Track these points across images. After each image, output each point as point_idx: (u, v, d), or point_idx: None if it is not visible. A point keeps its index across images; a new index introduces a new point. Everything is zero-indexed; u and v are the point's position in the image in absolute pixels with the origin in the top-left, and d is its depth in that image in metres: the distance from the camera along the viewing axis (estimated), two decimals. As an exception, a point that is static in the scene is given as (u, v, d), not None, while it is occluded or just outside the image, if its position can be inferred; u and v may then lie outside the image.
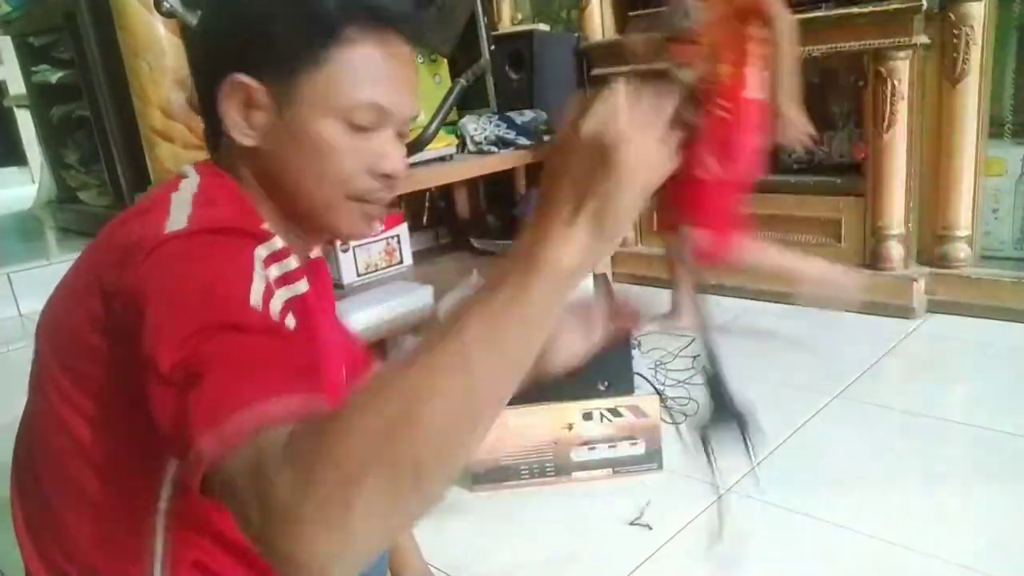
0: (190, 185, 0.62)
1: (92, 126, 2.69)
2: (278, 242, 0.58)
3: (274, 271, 0.55)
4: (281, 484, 0.40)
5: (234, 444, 0.42)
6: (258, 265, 0.53)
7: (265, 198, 0.65)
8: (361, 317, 1.68)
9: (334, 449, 0.40)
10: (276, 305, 0.52)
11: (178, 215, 0.56)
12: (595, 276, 1.67)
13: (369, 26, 0.60)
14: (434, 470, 0.41)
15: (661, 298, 2.41)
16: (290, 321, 0.53)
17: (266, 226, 0.60)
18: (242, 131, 0.62)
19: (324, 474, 0.40)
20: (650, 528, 1.27)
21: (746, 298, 2.32)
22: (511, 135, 2.23)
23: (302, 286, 0.57)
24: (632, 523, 1.29)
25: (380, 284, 2.01)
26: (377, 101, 0.61)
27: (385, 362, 0.66)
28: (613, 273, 2.61)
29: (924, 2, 1.82)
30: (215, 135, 0.64)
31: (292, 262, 0.58)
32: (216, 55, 0.62)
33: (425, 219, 2.74)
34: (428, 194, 2.66)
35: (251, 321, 0.49)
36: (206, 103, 0.63)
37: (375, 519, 0.40)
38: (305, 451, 0.41)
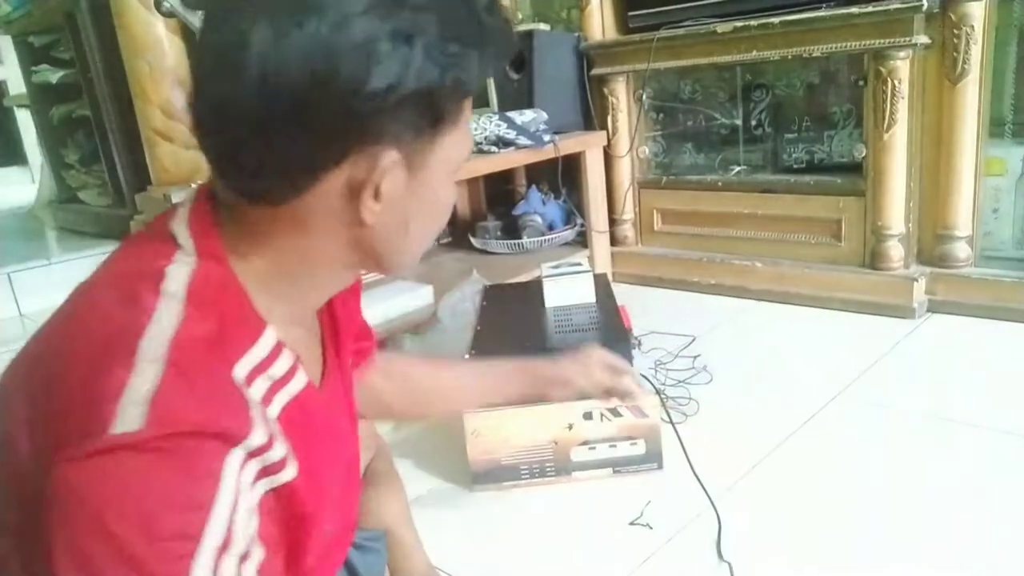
0: (178, 288, 0.52)
1: (92, 126, 2.69)
2: (258, 391, 0.53)
3: (258, 479, 0.50)
4: None
5: None
6: (228, 471, 0.47)
7: (318, 255, 0.58)
8: (361, 317, 1.68)
9: None
10: (256, 554, 0.48)
11: (133, 395, 0.46)
12: (595, 275, 1.67)
13: (487, 75, 0.59)
14: None
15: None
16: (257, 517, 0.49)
17: (271, 324, 0.56)
18: (369, 207, 0.55)
19: None
20: (650, 528, 1.27)
21: (750, 298, 2.32)
22: (511, 135, 2.23)
23: (276, 453, 0.52)
24: (632, 523, 1.29)
25: (380, 284, 2.01)
26: (472, 148, 0.63)
27: None
28: (613, 273, 2.61)
29: (924, 2, 1.82)
30: (266, 196, 0.55)
31: (258, 438, 0.50)
32: (341, 119, 0.51)
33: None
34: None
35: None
36: (282, 161, 0.52)
37: None
38: None
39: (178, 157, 2.27)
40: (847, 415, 1.58)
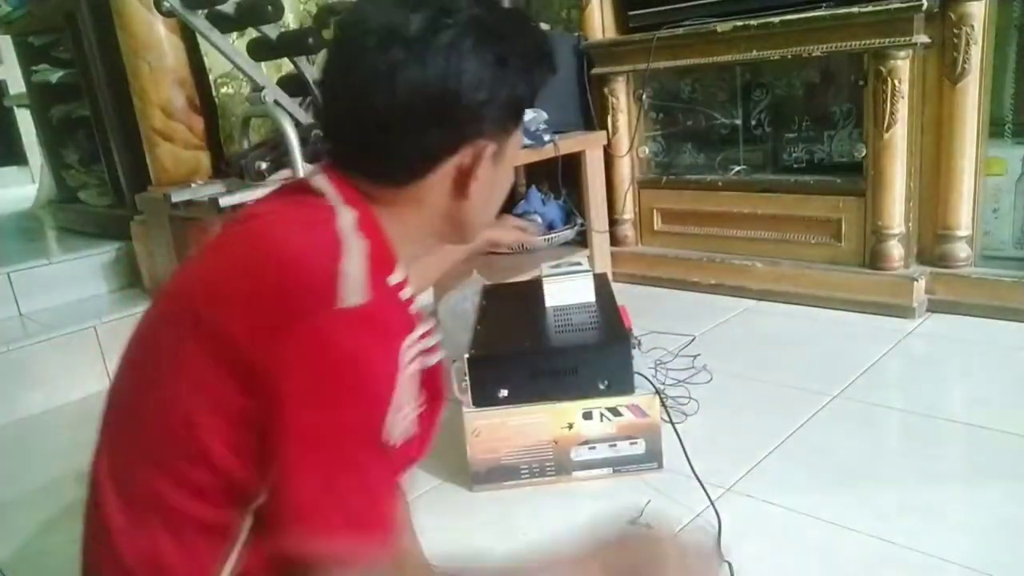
0: (349, 224, 0.67)
1: (92, 126, 2.69)
2: (415, 319, 0.69)
3: (416, 359, 0.66)
4: None
5: (348, 563, 0.58)
6: (402, 367, 0.63)
7: (424, 224, 0.76)
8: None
9: None
10: (398, 415, 0.63)
11: (354, 278, 0.62)
12: (595, 275, 1.67)
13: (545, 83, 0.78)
14: None
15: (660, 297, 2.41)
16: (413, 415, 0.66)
17: (399, 268, 0.71)
18: (471, 184, 0.73)
19: None
20: (650, 527, 1.27)
21: (750, 298, 2.32)
22: (511, 135, 2.23)
23: (432, 340, 0.71)
24: (632, 523, 1.29)
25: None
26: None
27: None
28: (613, 273, 2.61)
29: (924, 2, 1.82)
30: (394, 178, 0.72)
31: (424, 327, 0.69)
32: (459, 122, 0.70)
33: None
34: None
35: (375, 436, 0.61)
36: (414, 153, 0.71)
37: None
38: None
39: (178, 157, 2.28)
40: (847, 415, 1.58)
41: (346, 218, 0.68)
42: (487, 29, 0.69)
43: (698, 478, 1.33)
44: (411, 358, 0.65)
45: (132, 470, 0.67)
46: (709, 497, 1.29)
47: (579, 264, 1.67)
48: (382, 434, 0.61)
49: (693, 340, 2.00)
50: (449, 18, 0.67)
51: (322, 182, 0.72)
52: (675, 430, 1.40)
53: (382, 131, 0.69)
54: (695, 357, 1.88)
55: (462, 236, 0.79)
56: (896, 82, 1.94)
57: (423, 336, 0.68)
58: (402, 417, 0.63)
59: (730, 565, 1.14)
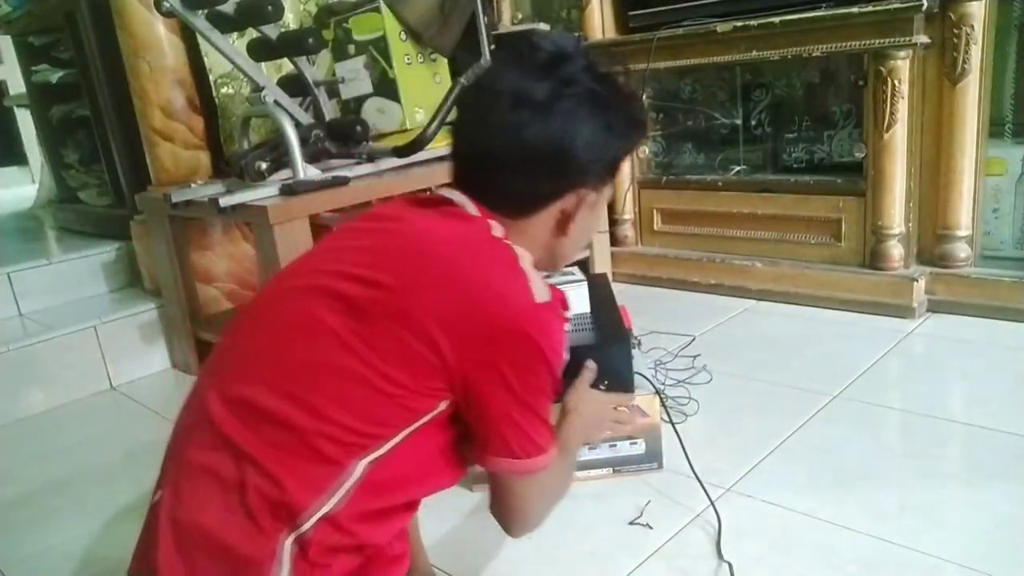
0: (501, 234, 0.84)
1: (92, 126, 2.69)
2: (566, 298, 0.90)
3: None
4: (546, 501, 0.93)
5: (545, 467, 0.84)
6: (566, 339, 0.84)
7: (530, 251, 0.86)
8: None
9: (557, 489, 0.95)
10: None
11: (536, 283, 0.79)
12: (595, 275, 1.67)
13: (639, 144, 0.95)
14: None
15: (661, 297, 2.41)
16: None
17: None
18: (571, 224, 0.88)
19: (555, 498, 0.95)
20: (650, 528, 1.27)
21: (750, 298, 2.32)
22: (511, 135, 2.23)
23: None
24: (632, 523, 1.29)
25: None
26: None
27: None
28: (613, 273, 2.62)
29: (924, 2, 1.82)
30: (512, 210, 0.87)
31: (568, 311, 0.89)
32: (568, 173, 0.85)
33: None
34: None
35: (556, 388, 0.85)
36: (528, 194, 0.87)
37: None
38: (553, 487, 0.93)
39: (178, 157, 2.28)
40: (847, 415, 1.58)
41: (498, 231, 0.84)
42: (600, 100, 0.84)
43: (698, 478, 1.33)
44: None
45: (264, 399, 0.76)
46: (709, 497, 1.29)
47: (571, 273, 1.64)
48: (558, 379, 0.83)
49: (693, 340, 2.01)
50: (570, 89, 0.82)
51: (462, 199, 0.86)
52: (675, 430, 1.40)
53: (506, 173, 0.85)
54: (695, 357, 1.88)
55: (553, 266, 0.95)
56: (896, 82, 1.94)
57: (568, 318, 0.87)
58: None
59: (730, 565, 1.14)
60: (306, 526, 0.72)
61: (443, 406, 0.79)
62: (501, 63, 0.94)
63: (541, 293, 0.78)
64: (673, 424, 1.42)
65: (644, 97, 2.51)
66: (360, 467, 0.74)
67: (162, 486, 0.79)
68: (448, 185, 0.90)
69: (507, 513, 0.88)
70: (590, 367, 1.11)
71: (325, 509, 0.73)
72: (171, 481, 0.78)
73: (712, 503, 1.29)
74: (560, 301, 0.83)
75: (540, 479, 0.85)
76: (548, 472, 0.84)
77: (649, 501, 1.34)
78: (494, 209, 0.86)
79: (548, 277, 1.62)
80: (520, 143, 0.82)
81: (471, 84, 0.93)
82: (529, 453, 0.81)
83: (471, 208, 0.85)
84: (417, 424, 0.77)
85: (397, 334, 0.75)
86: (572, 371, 1.09)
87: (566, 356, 0.84)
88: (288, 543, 0.71)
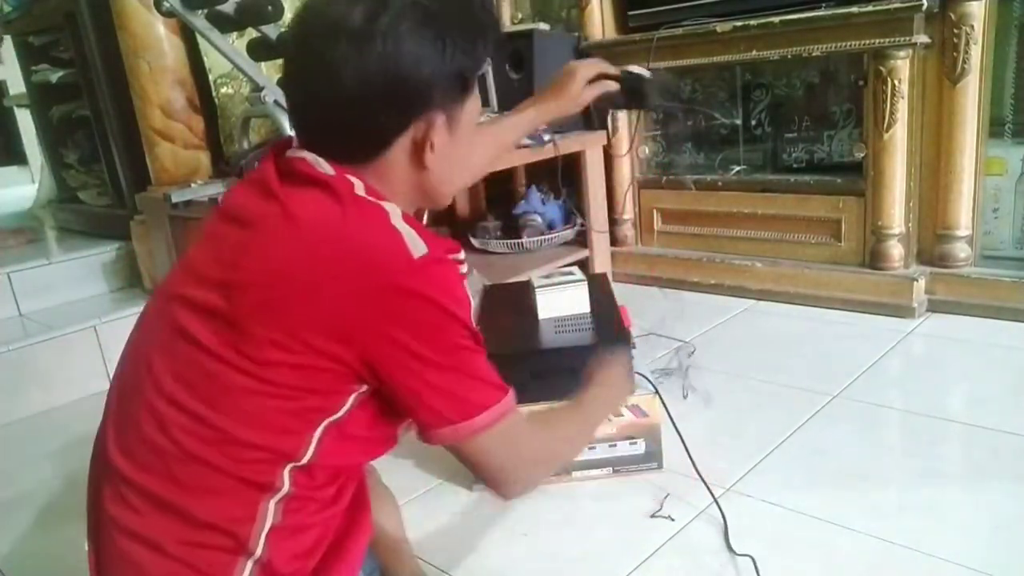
0: (363, 190, 0.76)
1: (92, 126, 2.69)
2: (456, 243, 0.80)
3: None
4: (530, 453, 0.82)
5: (501, 418, 0.76)
6: (465, 284, 0.76)
7: (394, 194, 0.80)
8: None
9: (555, 443, 0.88)
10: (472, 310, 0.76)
11: (411, 237, 0.72)
12: (595, 276, 1.67)
13: (489, 53, 0.82)
14: (581, 448, 1.07)
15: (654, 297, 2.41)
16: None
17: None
18: (429, 156, 0.79)
19: (550, 452, 0.87)
20: (672, 519, 1.28)
21: (750, 298, 2.32)
22: (511, 135, 2.23)
23: (464, 267, 0.80)
24: (654, 515, 1.29)
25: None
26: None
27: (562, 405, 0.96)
28: (613, 273, 2.61)
29: (924, 2, 1.82)
30: (359, 155, 0.78)
31: (460, 254, 0.79)
32: (405, 100, 0.76)
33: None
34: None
35: (477, 338, 0.76)
36: (369, 132, 0.78)
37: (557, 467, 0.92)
38: (543, 438, 0.86)
39: (178, 157, 2.28)
40: (847, 415, 1.58)
41: (359, 186, 0.75)
42: (426, 11, 0.75)
43: (700, 476, 1.33)
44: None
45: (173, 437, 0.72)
46: (713, 495, 1.29)
47: (572, 273, 1.64)
48: (474, 328, 0.75)
49: (693, 340, 2.00)
50: (386, 6, 0.73)
51: (313, 158, 0.77)
52: (676, 430, 1.40)
53: (339, 117, 0.76)
54: (693, 354, 1.88)
55: (434, 202, 0.87)
56: (896, 82, 1.94)
57: (460, 261, 0.79)
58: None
59: (753, 559, 1.14)
60: (259, 549, 0.71)
61: (355, 396, 0.73)
62: None
63: (417, 246, 0.71)
64: (674, 424, 1.42)
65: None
66: (286, 477, 0.72)
67: (90, 543, 0.78)
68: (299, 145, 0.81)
69: (488, 479, 0.81)
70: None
71: (268, 525, 0.71)
72: (94, 546, 0.77)
73: (715, 500, 1.28)
74: (445, 247, 0.76)
75: (502, 433, 0.76)
76: (510, 422, 0.77)
77: (668, 494, 1.34)
78: (343, 158, 0.77)
79: (549, 277, 1.64)
80: (344, 79, 0.73)
81: (290, 25, 0.83)
82: (467, 414, 0.74)
83: (324, 167, 0.76)
84: (334, 418, 0.73)
85: (276, 339, 0.69)
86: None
87: (473, 301, 0.76)
88: (248, 570, 0.71)
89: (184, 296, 0.75)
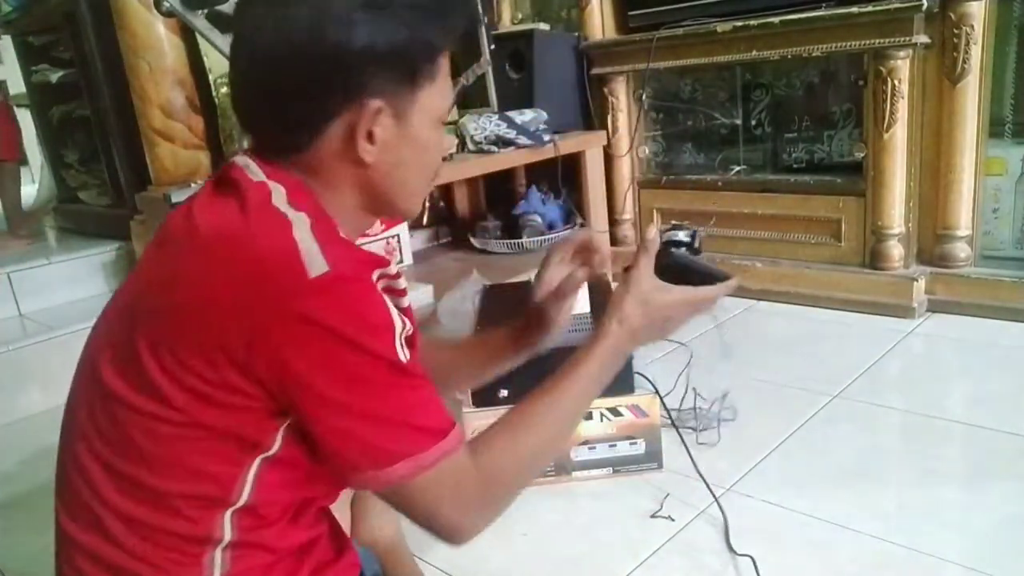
0: (283, 199, 0.65)
1: (92, 126, 2.69)
2: (381, 258, 0.69)
3: (387, 292, 0.67)
4: (473, 497, 0.67)
5: (426, 469, 0.63)
6: (388, 302, 0.64)
7: (340, 196, 0.70)
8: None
9: (504, 473, 0.71)
10: (403, 337, 0.64)
11: (310, 253, 0.60)
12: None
13: (451, 40, 0.70)
14: (546, 464, 0.77)
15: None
16: (407, 343, 0.65)
17: (341, 229, 0.68)
18: (364, 148, 0.67)
19: (500, 487, 0.71)
20: (672, 519, 1.27)
21: (750, 298, 2.32)
22: (511, 135, 2.23)
23: (401, 283, 0.73)
24: (654, 515, 1.29)
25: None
26: (453, 101, 0.76)
27: (519, 403, 0.75)
28: (613, 273, 2.61)
29: (924, 2, 1.82)
30: (289, 146, 0.68)
31: (391, 269, 0.70)
32: (330, 75, 0.64)
33: (425, 219, 2.75)
34: (428, 193, 2.66)
35: (402, 369, 0.62)
36: (292, 113, 0.67)
37: (516, 495, 0.73)
38: (488, 473, 0.68)
39: (178, 157, 2.27)
40: (847, 415, 1.58)
41: (279, 193, 0.65)
42: None
43: (701, 476, 1.33)
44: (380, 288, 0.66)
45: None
46: (713, 494, 1.29)
47: None
48: (399, 357, 0.62)
49: (693, 341, 2.00)
50: None
51: (244, 160, 0.69)
52: (676, 430, 1.40)
53: (260, 91, 0.67)
54: (692, 354, 1.88)
55: (389, 209, 0.75)
56: (896, 82, 1.94)
57: (391, 276, 0.70)
58: (404, 332, 0.65)
59: (753, 559, 1.14)
60: None
61: (284, 429, 0.64)
62: None
63: (315, 263, 0.59)
64: (674, 424, 1.43)
65: (644, 96, 2.52)
66: (227, 523, 0.65)
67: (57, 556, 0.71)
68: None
69: (424, 528, 0.67)
70: (652, 239, 0.80)
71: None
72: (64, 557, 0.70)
73: (716, 499, 1.28)
74: (360, 262, 0.65)
75: (430, 481, 0.63)
76: (441, 470, 0.63)
77: (668, 494, 1.34)
78: (272, 151, 0.68)
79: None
80: (258, 47, 0.64)
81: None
82: (378, 463, 0.62)
83: (252, 169, 0.67)
84: (268, 454, 0.65)
85: (168, 366, 0.61)
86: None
87: (398, 323, 0.63)
88: None
89: (104, 334, 0.69)
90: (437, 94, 0.70)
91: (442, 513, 0.66)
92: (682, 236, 0.86)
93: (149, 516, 0.64)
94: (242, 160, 0.69)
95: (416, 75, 0.68)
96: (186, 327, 0.61)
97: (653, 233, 0.81)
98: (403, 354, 0.63)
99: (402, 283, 0.72)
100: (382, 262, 0.68)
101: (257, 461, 0.64)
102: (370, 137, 0.67)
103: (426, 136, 0.71)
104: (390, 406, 0.62)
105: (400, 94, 0.67)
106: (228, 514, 0.64)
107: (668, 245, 0.85)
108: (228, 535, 0.65)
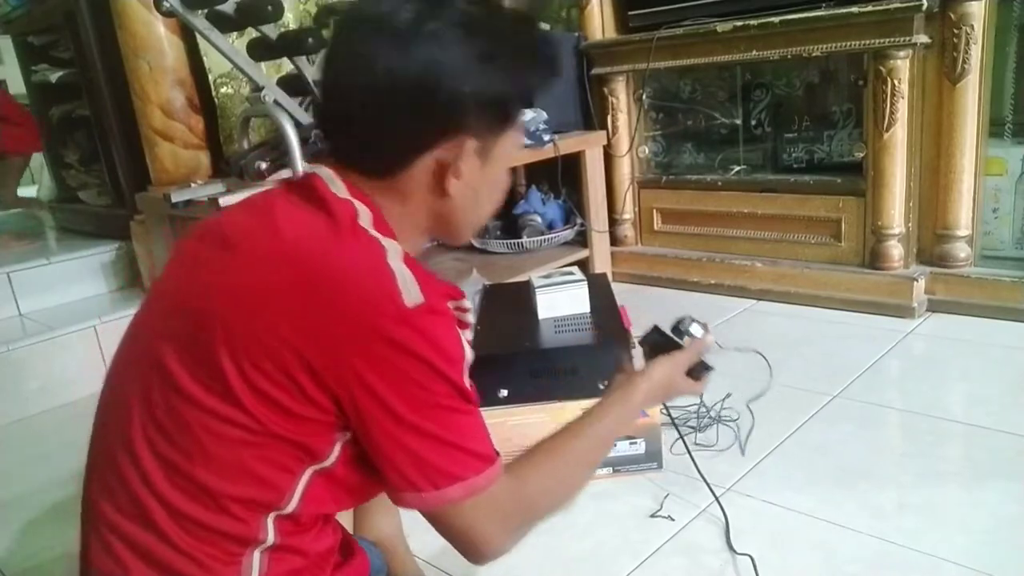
0: (368, 220, 0.70)
1: (92, 126, 2.69)
2: (458, 290, 0.74)
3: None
4: (509, 522, 0.73)
5: (476, 492, 0.68)
6: (462, 338, 0.70)
7: (413, 219, 0.75)
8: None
9: (541, 497, 0.77)
10: (469, 367, 0.70)
11: (406, 282, 0.65)
12: (595, 276, 1.67)
13: (543, 90, 0.78)
14: (575, 494, 0.81)
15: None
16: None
17: (403, 246, 0.72)
18: (452, 181, 0.73)
19: (535, 512, 0.77)
20: (672, 519, 1.28)
21: (750, 298, 2.32)
22: (511, 135, 2.23)
23: (469, 317, 0.76)
24: (654, 515, 1.29)
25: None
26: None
27: (556, 436, 0.83)
28: (613, 273, 2.61)
29: (924, 2, 1.82)
30: (378, 170, 0.73)
31: (464, 302, 0.74)
32: (436, 113, 0.70)
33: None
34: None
35: (468, 398, 0.69)
36: (392, 140, 0.72)
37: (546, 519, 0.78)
38: (528, 498, 0.75)
39: (178, 157, 2.28)
40: (847, 415, 1.58)
41: (365, 216, 0.70)
42: (476, 24, 0.70)
43: (702, 476, 1.33)
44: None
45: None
46: (714, 494, 1.29)
47: (571, 273, 1.63)
48: (466, 385, 0.68)
49: (693, 340, 2.00)
50: (439, 10, 0.69)
51: (327, 173, 0.72)
52: (677, 430, 1.40)
53: (364, 114, 0.71)
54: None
55: (451, 236, 0.81)
56: (896, 82, 1.94)
57: (462, 309, 0.74)
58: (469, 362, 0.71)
59: (753, 558, 1.14)
60: None
61: (341, 443, 0.68)
62: None
63: (411, 293, 0.65)
64: (675, 424, 1.43)
65: (644, 96, 2.52)
66: (270, 526, 0.68)
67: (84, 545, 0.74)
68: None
69: (457, 547, 0.73)
70: (709, 343, 1.04)
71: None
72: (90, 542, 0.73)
73: (717, 499, 1.28)
74: (444, 294, 0.70)
75: (476, 506, 0.69)
76: (487, 495, 0.69)
77: (668, 494, 1.34)
78: (361, 170, 0.73)
79: (549, 277, 1.64)
80: (375, 77, 0.68)
81: (339, 19, 0.78)
82: (437, 484, 0.66)
83: (337, 185, 0.71)
84: (321, 465, 0.68)
85: (244, 368, 0.64)
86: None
87: (468, 355, 0.69)
88: None
89: (163, 328, 0.71)
90: (516, 137, 0.78)
91: (481, 534, 0.71)
92: (694, 329, 1.13)
93: (198, 512, 0.66)
94: (325, 173, 0.72)
95: (507, 120, 0.75)
96: (273, 340, 0.64)
97: (710, 340, 1.06)
98: (468, 382, 0.69)
99: (470, 317, 0.76)
100: (458, 294, 0.73)
101: (310, 471, 0.68)
102: (457, 172, 0.72)
103: (500, 174, 0.79)
104: (453, 431, 0.67)
105: (491, 135, 0.74)
106: (271, 517, 0.68)
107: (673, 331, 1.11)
108: (271, 538, 0.68)
